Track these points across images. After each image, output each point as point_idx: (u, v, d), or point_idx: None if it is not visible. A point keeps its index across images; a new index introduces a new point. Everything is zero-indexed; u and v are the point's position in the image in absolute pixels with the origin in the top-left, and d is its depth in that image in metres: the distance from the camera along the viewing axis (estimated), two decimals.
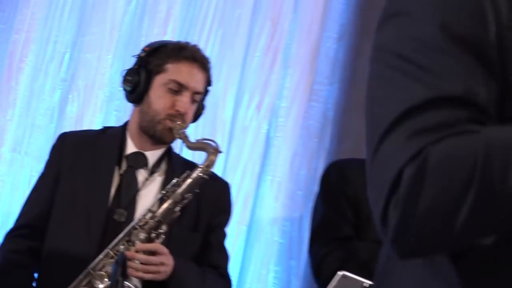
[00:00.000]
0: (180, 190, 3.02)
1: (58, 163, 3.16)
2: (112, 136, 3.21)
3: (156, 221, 2.99)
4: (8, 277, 3.05)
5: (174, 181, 3.04)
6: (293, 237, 4.17)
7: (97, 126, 3.71)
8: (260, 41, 4.23)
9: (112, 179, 3.10)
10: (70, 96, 3.96)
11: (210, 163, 3.07)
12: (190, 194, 3.04)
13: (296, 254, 4.16)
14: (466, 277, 1.30)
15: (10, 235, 3.13)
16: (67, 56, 3.98)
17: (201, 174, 3.05)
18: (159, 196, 3.04)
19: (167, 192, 3.03)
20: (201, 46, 3.69)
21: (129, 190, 3.09)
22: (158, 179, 3.15)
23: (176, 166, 3.17)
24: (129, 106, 3.25)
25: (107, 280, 2.90)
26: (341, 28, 4.38)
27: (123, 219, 3.02)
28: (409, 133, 1.21)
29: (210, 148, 3.08)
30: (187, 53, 3.16)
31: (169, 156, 3.21)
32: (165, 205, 3.01)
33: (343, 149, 4.25)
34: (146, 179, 3.13)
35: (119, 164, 3.14)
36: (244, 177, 4.14)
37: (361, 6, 4.40)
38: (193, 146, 3.11)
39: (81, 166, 3.13)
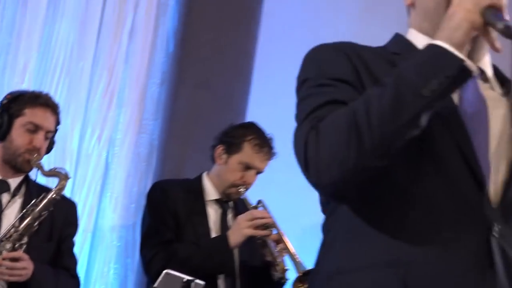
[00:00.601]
0: (38, 209, 3.07)
1: None
2: None
3: (19, 234, 3.01)
4: None
5: (33, 202, 3.07)
6: (128, 240, 4.18)
7: None
8: (100, 86, 4.23)
9: None
10: None
11: (61, 187, 3.13)
12: (46, 212, 3.08)
13: (131, 253, 4.16)
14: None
15: None
16: None
17: (54, 196, 3.11)
18: (21, 214, 3.06)
19: (27, 211, 3.06)
20: (52, 90, 3.71)
21: None
22: (18, 200, 3.17)
23: (33, 190, 3.19)
24: None
25: None
26: (163, 76, 4.43)
27: None
28: (310, 120, 1.61)
29: (61, 175, 3.14)
30: (41, 100, 3.19)
31: (27, 182, 3.23)
32: (26, 221, 3.03)
33: (166, 170, 4.29)
34: (9, 201, 3.14)
35: None
36: (88, 194, 4.13)
37: (178, 58, 4.45)
38: (47, 174, 3.16)
39: None
